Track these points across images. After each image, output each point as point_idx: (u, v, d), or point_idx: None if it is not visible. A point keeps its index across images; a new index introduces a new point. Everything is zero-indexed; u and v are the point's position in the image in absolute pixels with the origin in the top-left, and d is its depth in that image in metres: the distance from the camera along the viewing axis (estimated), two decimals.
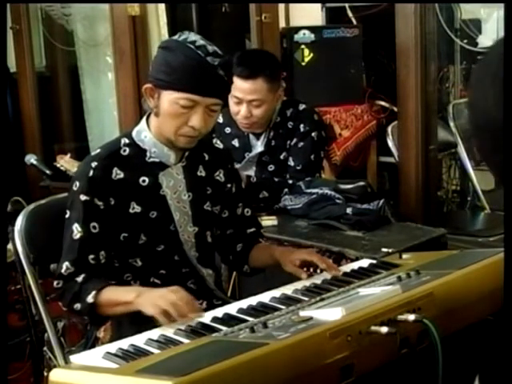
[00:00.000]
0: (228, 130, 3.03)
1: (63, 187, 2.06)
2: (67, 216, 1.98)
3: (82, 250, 1.93)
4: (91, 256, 1.93)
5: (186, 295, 1.73)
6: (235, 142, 3.02)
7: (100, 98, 4.99)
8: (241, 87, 2.81)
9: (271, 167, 2.99)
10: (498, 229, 3.02)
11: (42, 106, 4.89)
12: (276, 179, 2.94)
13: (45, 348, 2.25)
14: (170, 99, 1.91)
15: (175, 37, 1.95)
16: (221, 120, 3.01)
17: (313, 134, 2.96)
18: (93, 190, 1.94)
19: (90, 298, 1.85)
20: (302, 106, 2.99)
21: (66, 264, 1.93)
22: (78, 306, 1.90)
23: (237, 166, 2.82)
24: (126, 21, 4.17)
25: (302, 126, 2.95)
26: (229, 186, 2.16)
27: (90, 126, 5.06)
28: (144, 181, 2.00)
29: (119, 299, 1.83)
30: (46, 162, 2.95)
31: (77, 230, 1.94)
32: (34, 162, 2.87)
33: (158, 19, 4.38)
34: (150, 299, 1.73)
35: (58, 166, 2.88)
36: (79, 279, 1.91)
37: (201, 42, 1.90)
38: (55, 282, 1.96)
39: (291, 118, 2.97)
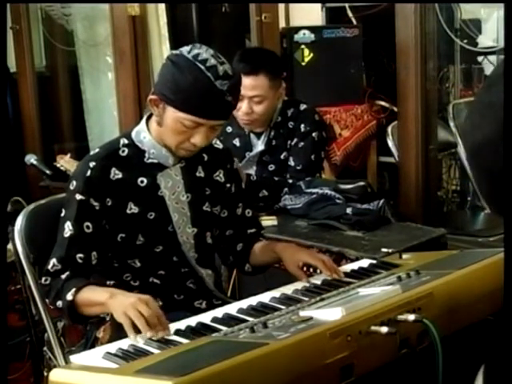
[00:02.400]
0: (229, 129, 3.03)
1: (63, 187, 2.05)
2: (62, 214, 1.98)
3: (70, 249, 1.93)
4: (79, 255, 1.92)
5: (157, 308, 1.68)
6: (236, 142, 3.02)
7: (100, 98, 4.99)
8: (242, 83, 2.82)
9: (271, 167, 2.99)
10: (498, 229, 3.02)
11: (42, 106, 4.89)
12: (276, 178, 2.94)
13: (45, 348, 2.25)
14: (174, 117, 1.89)
15: (186, 50, 1.89)
16: None
17: (313, 134, 2.96)
18: (89, 190, 1.94)
19: (69, 296, 1.84)
20: (303, 106, 2.99)
21: (53, 261, 1.93)
22: (59, 303, 1.89)
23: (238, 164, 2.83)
24: (126, 21, 4.17)
25: (302, 126, 2.96)
26: (228, 185, 2.16)
27: (89, 126, 5.06)
28: (142, 181, 2.00)
29: (94, 299, 1.81)
30: (46, 162, 2.95)
31: (68, 228, 1.94)
32: (34, 162, 2.87)
33: (158, 19, 4.38)
34: (122, 306, 1.68)
35: (58, 166, 2.88)
36: (63, 276, 1.91)
37: (212, 61, 1.85)
38: (43, 279, 1.95)
39: (292, 117, 2.97)
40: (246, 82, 2.78)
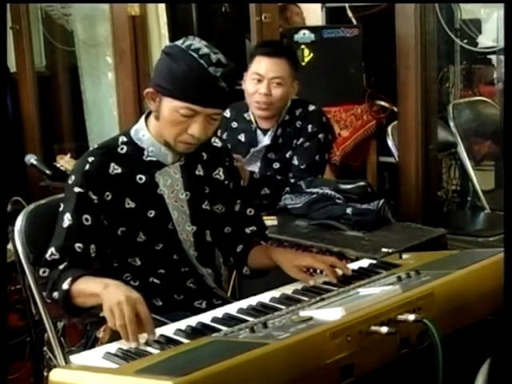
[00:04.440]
0: (235, 124, 3.06)
1: (63, 187, 2.05)
2: (60, 209, 1.97)
3: (68, 238, 1.92)
4: (78, 245, 1.91)
5: (145, 312, 1.64)
6: (241, 137, 3.04)
7: (100, 98, 4.99)
8: (264, 64, 2.89)
9: (276, 165, 3.00)
10: (498, 229, 3.01)
11: (42, 106, 4.90)
12: (279, 177, 2.95)
13: (45, 348, 2.25)
14: (170, 107, 1.90)
15: (179, 42, 1.92)
16: (228, 115, 3.05)
17: (320, 136, 2.98)
18: (88, 184, 1.94)
19: (65, 285, 1.83)
20: (311, 107, 3.01)
21: (51, 250, 1.93)
22: (55, 294, 1.87)
23: (242, 160, 2.84)
24: (126, 21, 4.18)
25: (310, 126, 2.97)
26: (227, 182, 2.15)
27: (89, 126, 5.07)
28: (141, 178, 2.00)
29: (89, 290, 1.80)
30: (46, 162, 2.95)
31: (67, 219, 1.93)
32: (34, 162, 2.87)
33: (158, 19, 4.39)
34: (110, 300, 1.66)
35: (58, 166, 2.89)
36: (61, 267, 1.90)
37: (205, 50, 1.87)
38: (41, 271, 1.94)
39: (300, 117, 2.99)
40: (268, 63, 2.87)
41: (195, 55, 1.86)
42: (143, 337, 1.60)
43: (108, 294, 1.71)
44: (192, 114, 1.89)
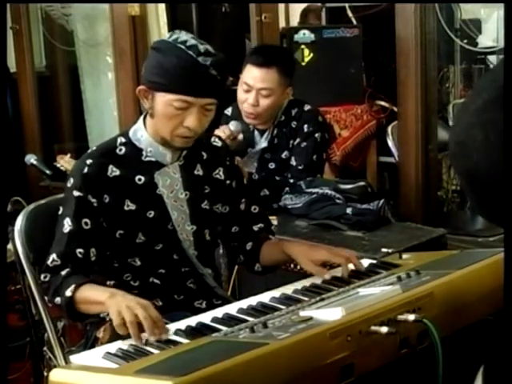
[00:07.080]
0: None
1: (63, 187, 2.06)
2: (60, 212, 1.98)
3: (69, 244, 1.92)
4: (79, 250, 1.92)
5: (155, 313, 1.65)
6: (240, 137, 3.03)
7: (100, 98, 4.99)
8: (253, 74, 2.86)
9: (272, 165, 3.00)
10: (497, 229, 3.00)
11: (42, 106, 4.90)
12: (277, 178, 2.95)
13: (45, 348, 2.25)
14: (163, 101, 1.91)
15: (166, 37, 1.95)
16: (229, 113, 3.04)
17: (316, 135, 2.97)
18: (86, 187, 1.94)
19: (68, 292, 1.83)
20: (307, 107, 3.00)
21: (52, 256, 1.93)
22: (58, 299, 1.88)
23: (240, 160, 2.84)
24: (126, 21, 4.18)
25: (306, 126, 2.97)
26: (228, 182, 2.15)
27: (89, 126, 5.07)
28: (140, 179, 2.00)
29: (93, 298, 1.80)
30: (46, 162, 2.95)
31: (67, 224, 1.94)
32: (34, 162, 2.87)
33: (158, 19, 4.39)
34: (118, 305, 1.67)
35: (58, 166, 2.88)
36: (63, 273, 1.90)
37: (192, 41, 1.89)
38: (42, 276, 1.95)
39: (295, 117, 2.98)
40: (257, 73, 2.84)
41: (183, 47, 1.87)
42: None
43: (115, 301, 1.71)
44: (186, 106, 1.89)
